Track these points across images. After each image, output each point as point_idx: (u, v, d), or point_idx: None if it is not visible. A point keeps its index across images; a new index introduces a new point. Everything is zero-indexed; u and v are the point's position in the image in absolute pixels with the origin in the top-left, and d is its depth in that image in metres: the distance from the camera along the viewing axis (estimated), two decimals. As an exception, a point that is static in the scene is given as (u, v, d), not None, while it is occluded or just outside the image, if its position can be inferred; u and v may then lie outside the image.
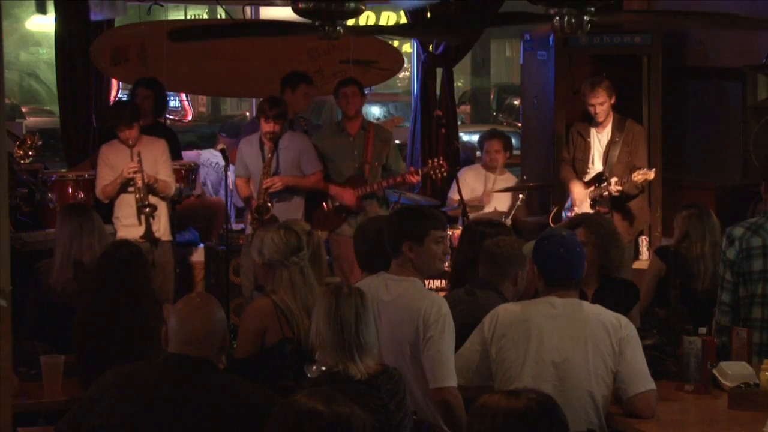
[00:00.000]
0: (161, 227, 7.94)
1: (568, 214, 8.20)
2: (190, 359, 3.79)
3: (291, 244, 4.94)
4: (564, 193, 8.44)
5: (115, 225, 7.92)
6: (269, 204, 7.93)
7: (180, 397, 3.72)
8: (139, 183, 7.78)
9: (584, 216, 6.11)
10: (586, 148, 8.29)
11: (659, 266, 6.49)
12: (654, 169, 8.13)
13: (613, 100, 8.17)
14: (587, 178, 8.27)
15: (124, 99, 9.97)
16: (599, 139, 8.27)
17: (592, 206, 8.10)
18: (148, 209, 7.78)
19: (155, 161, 7.91)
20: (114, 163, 7.85)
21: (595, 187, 8.17)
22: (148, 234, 7.79)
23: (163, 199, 7.98)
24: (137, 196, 7.80)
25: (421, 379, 4.56)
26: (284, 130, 8.02)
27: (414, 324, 4.55)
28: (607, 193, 8.08)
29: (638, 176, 7.98)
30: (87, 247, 5.91)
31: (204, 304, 3.91)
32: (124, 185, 7.86)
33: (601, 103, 8.13)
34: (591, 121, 8.26)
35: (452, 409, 4.48)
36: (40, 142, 8.47)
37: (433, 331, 4.51)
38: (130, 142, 7.79)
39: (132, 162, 7.78)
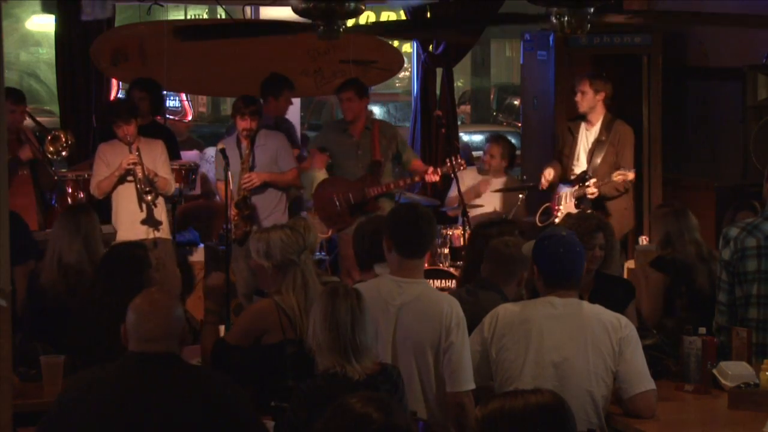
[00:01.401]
0: (163, 227, 7.92)
1: (554, 213, 8.18)
2: (155, 356, 3.72)
3: (299, 243, 4.94)
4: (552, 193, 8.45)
5: (114, 224, 7.84)
6: (248, 200, 7.94)
7: (151, 394, 3.67)
8: (140, 174, 7.73)
9: (599, 219, 6.06)
10: (574, 144, 8.29)
11: (660, 278, 6.33)
12: (633, 170, 8.11)
13: (599, 97, 8.15)
14: (573, 177, 8.27)
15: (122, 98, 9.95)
16: (587, 137, 8.27)
17: (576, 206, 8.09)
18: (150, 197, 7.72)
19: (154, 161, 7.87)
20: (111, 161, 7.81)
21: (579, 187, 8.17)
22: (150, 220, 7.75)
23: (162, 196, 7.95)
24: (138, 186, 7.75)
25: (435, 380, 4.55)
26: (260, 127, 8.01)
27: (435, 327, 4.51)
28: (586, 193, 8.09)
29: (617, 176, 7.98)
30: (70, 248, 5.94)
31: (163, 299, 3.85)
32: (122, 180, 7.80)
33: (582, 92, 8.13)
34: (583, 117, 8.26)
35: (467, 412, 4.48)
36: (72, 140, 8.27)
37: (454, 336, 4.49)
38: (128, 139, 7.74)
39: (131, 154, 7.74)
